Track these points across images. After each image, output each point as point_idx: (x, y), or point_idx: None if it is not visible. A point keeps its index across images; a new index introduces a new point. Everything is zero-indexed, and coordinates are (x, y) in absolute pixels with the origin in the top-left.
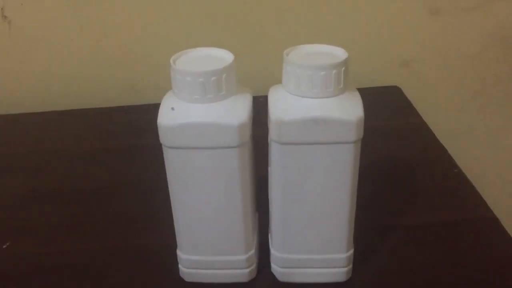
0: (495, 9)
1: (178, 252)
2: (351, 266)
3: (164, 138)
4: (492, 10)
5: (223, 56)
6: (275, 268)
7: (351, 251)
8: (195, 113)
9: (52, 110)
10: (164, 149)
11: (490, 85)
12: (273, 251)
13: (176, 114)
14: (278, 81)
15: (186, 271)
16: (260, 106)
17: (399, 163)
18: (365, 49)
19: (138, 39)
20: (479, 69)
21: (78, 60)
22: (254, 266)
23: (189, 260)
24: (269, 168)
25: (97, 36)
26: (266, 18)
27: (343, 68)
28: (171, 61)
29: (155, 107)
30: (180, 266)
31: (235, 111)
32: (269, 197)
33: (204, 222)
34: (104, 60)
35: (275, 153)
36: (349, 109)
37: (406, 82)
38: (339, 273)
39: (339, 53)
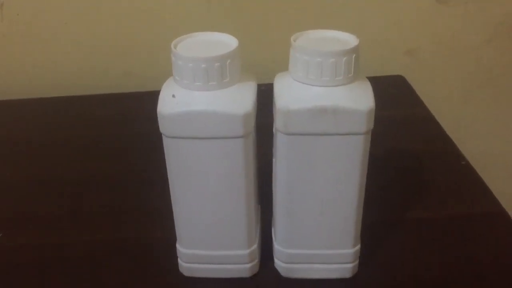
0: None
1: (178, 246)
2: (357, 261)
3: (164, 127)
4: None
5: (227, 41)
6: (278, 263)
7: (358, 246)
8: (198, 101)
9: (45, 96)
10: (164, 139)
11: (496, 75)
12: (276, 246)
13: (177, 102)
14: (281, 68)
15: (186, 266)
16: (261, 95)
17: (405, 155)
18: (369, 37)
19: (134, 24)
20: (486, 59)
21: (72, 46)
22: (256, 261)
23: (189, 254)
24: (273, 160)
25: (92, 21)
26: (268, 2)
27: (354, 55)
28: (172, 45)
29: (150, 94)
30: (179, 260)
31: (240, 99)
32: (273, 190)
33: (205, 215)
34: (99, 46)
35: (281, 144)
36: (359, 99)
37: (410, 71)
38: (345, 269)
39: (349, 39)
